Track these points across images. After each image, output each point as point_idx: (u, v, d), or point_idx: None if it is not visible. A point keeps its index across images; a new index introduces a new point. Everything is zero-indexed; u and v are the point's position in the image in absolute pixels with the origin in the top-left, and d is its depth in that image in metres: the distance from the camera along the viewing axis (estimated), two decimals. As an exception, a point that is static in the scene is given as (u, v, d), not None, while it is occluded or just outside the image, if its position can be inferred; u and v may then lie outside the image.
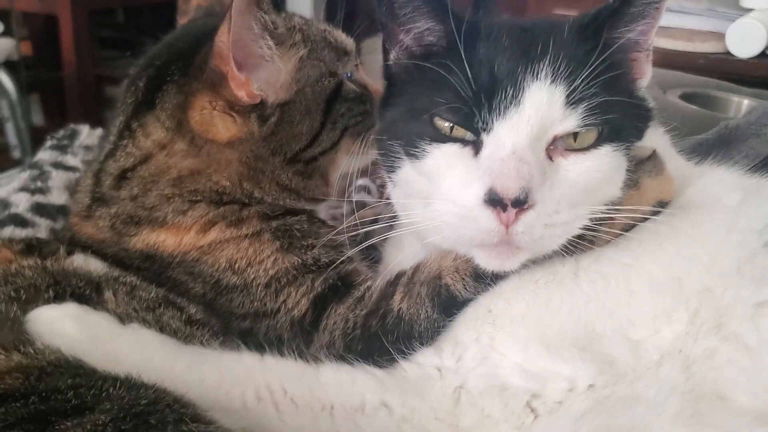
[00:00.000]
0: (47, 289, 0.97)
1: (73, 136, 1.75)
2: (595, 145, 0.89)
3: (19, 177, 1.59)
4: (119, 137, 1.11)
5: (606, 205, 0.92)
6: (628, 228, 0.96)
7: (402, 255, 1.08)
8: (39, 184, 1.54)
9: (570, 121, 0.87)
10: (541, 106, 0.86)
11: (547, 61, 0.86)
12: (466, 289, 0.97)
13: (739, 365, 0.84)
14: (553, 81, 0.86)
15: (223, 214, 1.06)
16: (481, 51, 0.89)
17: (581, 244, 0.91)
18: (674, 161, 1.07)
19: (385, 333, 0.98)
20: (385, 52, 1.00)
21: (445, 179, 0.90)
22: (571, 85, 0.86)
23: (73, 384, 0.77)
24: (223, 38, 0.98)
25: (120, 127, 1.12)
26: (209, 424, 0.76)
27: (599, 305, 0.92)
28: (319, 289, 1.05)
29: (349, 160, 1.17)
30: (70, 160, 1.65)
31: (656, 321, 0.90)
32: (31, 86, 3.74)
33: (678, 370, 0.86)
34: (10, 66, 3.52)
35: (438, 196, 0.90)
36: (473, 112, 0.87)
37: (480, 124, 0.87)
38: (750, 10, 2.57)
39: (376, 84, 1.18)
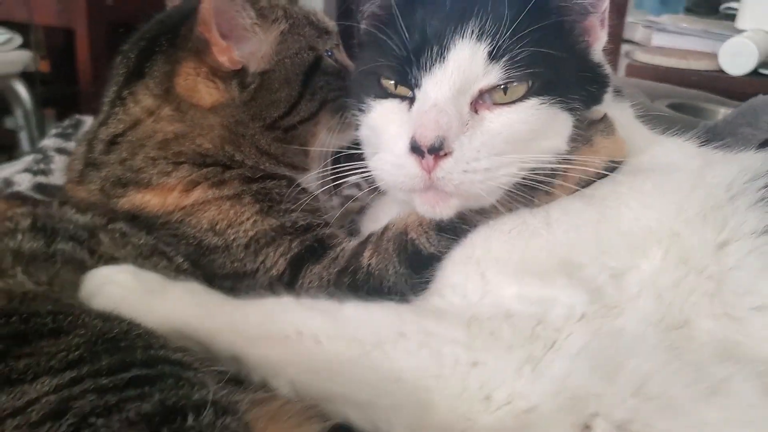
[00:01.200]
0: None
1: (77, 125, 1.83)
2: (522, 98, 0.94)
3: (23, 159, 1.67)
4: (111, 106, 1.18)
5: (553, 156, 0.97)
6: (585, 184, 1.00)
7: (376, 220, 1.13)
8: (42, 166, 1.61)
9: (492, 75, 0.93)
10: (464, 62, 0.93)
11: (475, 20, 0.94)
12: (429, 242, 1.01)
13: (704, 290, 0.89)
14: (478, 39, 0.93)
15: (205, 175, 1.12)
16: (418, 14, 0.97)
17: (534, 193, 0.96)
18: (639, 131, 1.12)
19: (356, 288, 1.03)
20: (358, 23, 1.09)
21: (385, 132, 0.99)
22: (495, 42, 0.92)
23: (53, 310, 0.82)
24: (206, 5, 1.06)
25: (112, 97, 1.19)
26: (176, 351, 0.81)
27: (577, 246, 0.95)
28: (296, 250, 1.09)
29: (328, 135, 1.23)
30: (73, 146, 1.72)
31: (634, 256, 0.94)
32: (47, 101, 3.81)
33: (651, 300, 0.90)
34: (26, 78, 3.62)
35: (381, 148, 0.99)
36: (405, 70, 0.96)
37: (412, 80, 0.95)
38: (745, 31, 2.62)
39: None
